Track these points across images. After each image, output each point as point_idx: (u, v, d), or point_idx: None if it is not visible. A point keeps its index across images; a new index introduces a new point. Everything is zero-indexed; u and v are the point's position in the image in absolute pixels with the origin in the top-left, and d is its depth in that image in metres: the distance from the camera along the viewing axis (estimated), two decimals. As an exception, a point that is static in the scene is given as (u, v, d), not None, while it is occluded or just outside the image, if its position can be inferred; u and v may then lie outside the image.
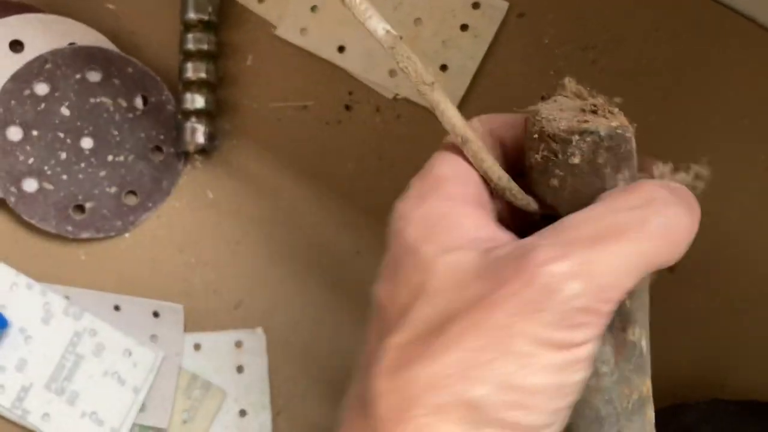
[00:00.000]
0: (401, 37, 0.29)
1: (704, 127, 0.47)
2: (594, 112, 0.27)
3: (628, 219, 0.25)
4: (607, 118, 0.27)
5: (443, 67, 0.47)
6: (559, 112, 0.27)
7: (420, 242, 0.26)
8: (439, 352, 0.25)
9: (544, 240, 0.25)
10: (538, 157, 0.28)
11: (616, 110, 0.28)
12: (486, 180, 0.29)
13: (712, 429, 0.42)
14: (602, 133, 0.27)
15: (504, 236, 0.27)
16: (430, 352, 0.25)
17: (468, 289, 0.25)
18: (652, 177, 0.29)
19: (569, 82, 0.29)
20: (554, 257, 0.24)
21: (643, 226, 0.25)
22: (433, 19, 0.47)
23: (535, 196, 0.29)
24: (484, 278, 0.25)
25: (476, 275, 0.25)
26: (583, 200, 0.27)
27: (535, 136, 0.28)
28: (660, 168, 0.29)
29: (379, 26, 0.29)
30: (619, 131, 0.27)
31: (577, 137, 0.27)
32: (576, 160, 0.27)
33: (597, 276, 0.25)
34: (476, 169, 0.29)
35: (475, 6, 0.47)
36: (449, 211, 0.27)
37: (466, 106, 0.47)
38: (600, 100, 0.28)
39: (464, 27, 0.47)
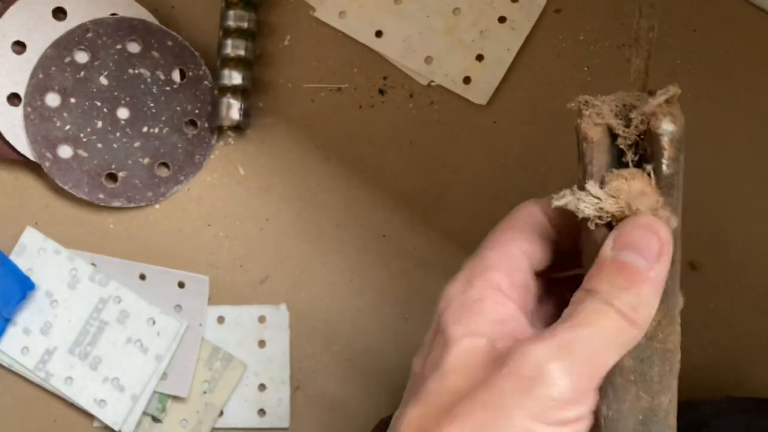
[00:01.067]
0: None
1: (737, 129, 0.47)
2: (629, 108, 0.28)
3: (596, 306, 0.28)
4: (591, 117, 0.28)
5: (479, 57, 0.48)
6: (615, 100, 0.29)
7: (450, 323, 0.30)
8: (447, 426, 0.28)
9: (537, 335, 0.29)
10: None
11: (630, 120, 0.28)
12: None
13: (725, 424, 0.43)
14: (576, 122, 0.29)
15: (526, 330, 0.30)
16: (439, 427, 0.28)
17: (476, 372, 0.28)
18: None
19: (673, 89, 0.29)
20: (537, 346, 0.28)
21: (609, 311, 0.28)
22: (473, 9, 0.48)
23: None
24: (489, 364, 0.28)
25: (485, 361, 0.29)
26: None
27: None
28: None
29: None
30: (577, 128, 0.29)
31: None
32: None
33: (577, 357, 0.28)
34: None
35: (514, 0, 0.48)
36: (485, 299, 0.30)
37: (500, 97, 0.48)
38: (639, 104, 0.28)
39: (502, 19, 0.48)
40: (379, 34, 0.49)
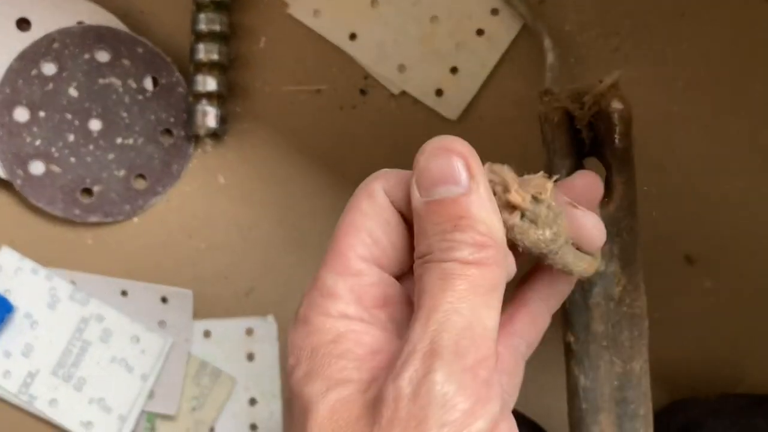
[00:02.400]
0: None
1: (730, 117, 0.46)
2: None
3: (438, 273, 0.23)
4: (551, 102, 0.32)
5: (453, 70, 0.46)
6: None
7: (304, 382, 0.23)
8: None
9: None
10: None
11: None
12: None
13: (720, 423, 0.42)
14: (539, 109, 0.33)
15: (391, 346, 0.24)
16: None
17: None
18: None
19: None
20: (402, 371, 0.22)
21: (455, 269, 0.23)
22: (450, 19, 0.46)
23: None
24: (367, 416, 0.22)
25: (361, 414, 0.22)
26: None
27: None
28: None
29: None
30: (540, 113, 0.32)
31: None
32: None
33: (452, 353, 0.22)
34: None
35: (494, 12, 0.46)
36: (338, 337, 0.24)
37: (485, 96, 0.46)
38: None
39: (480, 32, 0.46)
40: (353, 36, 0.47)
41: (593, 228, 0.26)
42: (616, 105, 0.30)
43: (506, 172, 0.25)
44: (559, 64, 0.37)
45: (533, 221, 0.24)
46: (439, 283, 0.23)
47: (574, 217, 0.26)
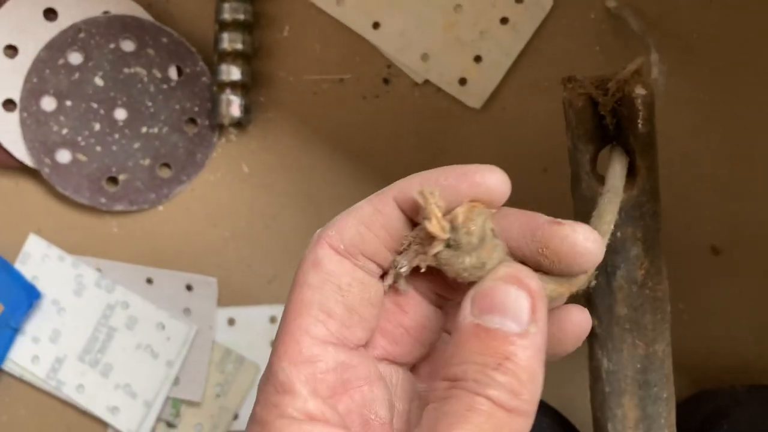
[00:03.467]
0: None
1: (757, 105, 0.45)
2: None
3: (465, 403, 0.21)
4: (575, 89, 0.31)
5: (477, 59, 0.46)
6: None
7: None
8: None
9: None
10: None
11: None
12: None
13: (746, 413, 0.42)
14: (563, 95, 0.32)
15: None
16: None
17: None
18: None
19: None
20: None
21: (483, 405, 0.21)
22: (474, 7, 0.46)
23: None
24: None
25: None
26: None
27: None
28: None
29: None
30: (564, 99, 0.31)
31: None
32: None
33: None
34: None
35: (518, 0, 0.46)
36: None
37: (509, 84, 0.46)
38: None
39: (504, 20, 0.46)
40: (376, 25, 0.47)
41: (585, 241, 0.22)
42: (640, 91, 0.30)
43: (434, 200, 0.23)
44: (665, 81, 0.37)
45: (456, 249, 0.23)
46: (465, 414, 0.21)
47: (558, 234, 0.23)
